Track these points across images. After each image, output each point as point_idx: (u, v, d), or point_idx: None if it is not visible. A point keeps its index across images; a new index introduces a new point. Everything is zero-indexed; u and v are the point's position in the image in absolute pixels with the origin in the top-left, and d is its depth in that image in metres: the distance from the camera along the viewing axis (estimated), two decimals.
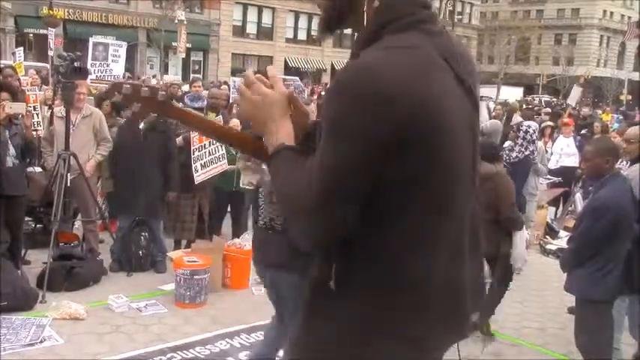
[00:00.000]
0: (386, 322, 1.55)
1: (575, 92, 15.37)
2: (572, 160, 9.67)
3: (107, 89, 1.76)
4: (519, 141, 6.51)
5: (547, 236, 9.02)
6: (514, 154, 6.58)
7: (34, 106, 7.77)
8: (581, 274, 4.17)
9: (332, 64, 42.35)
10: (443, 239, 1.57)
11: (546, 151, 9.35)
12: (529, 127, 6.77)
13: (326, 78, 41.55)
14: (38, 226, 6.81)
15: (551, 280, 7.06)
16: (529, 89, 50.74)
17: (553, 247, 8.53)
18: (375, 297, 1.54)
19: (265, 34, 42.47)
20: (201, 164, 6.86)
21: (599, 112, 25.46)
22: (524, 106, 18.46)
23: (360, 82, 1.42)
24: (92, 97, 8.47)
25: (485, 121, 7.55)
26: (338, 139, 1.44)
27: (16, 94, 6.39)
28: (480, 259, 1.80)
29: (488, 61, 57.02)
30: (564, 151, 10.03)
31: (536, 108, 20.22)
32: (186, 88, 12.26)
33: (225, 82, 16.21)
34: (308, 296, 1.65)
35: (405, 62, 1.45)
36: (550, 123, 11.57)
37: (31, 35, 31.23)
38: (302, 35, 43.81)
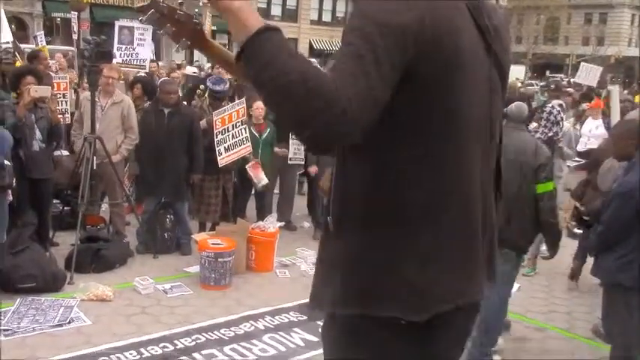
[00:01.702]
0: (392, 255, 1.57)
1: (586, 71, 14.53)
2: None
3: (144, 5, 1.69)
4: (543, 122, 6.38)
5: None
6: (537, 136, 6.48)
7: (63, 94, 7.85)
8: (609, 258, 4.09)
9: None
10: (455, 183, 1.58)
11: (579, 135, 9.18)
12: (553, 107, 6.63)
13: None
14: (66, 208, 6.90)
15: None
16: (558, 69, 49.87)
17: (581, 231, 8.39)
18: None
19: (290, 15, 42.27)
20: (224, 147, 6.87)
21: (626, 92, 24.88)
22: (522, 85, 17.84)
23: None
24: (123, 82, 8.53)
25: None
26: (362, 40, 1.41)
27: (42, 78, 6.45)
28: (493, 231, 1.77)
29: (517, 41, 56.07)
30: (592, 134, 9.83)
31: (564, 89, 19.84)
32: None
33: None
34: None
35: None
36: (585, 106, 11.33)
37: (59, 19, 31.48)
38: (327, 17, 43.53)
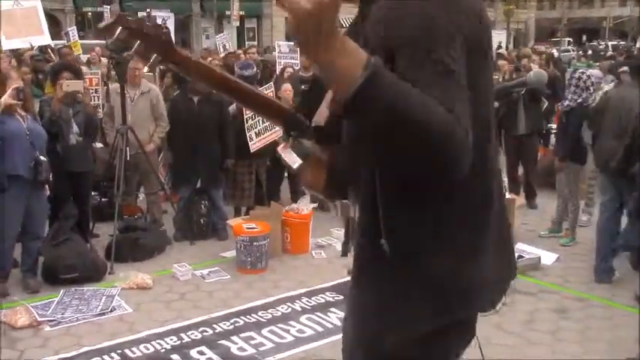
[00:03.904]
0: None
1: None
2: None
3: (110, 21, 1.55)
4: (572, 89, 6.24)
5: None
6: (566, 103, 6.33)
7: (95, 89, 7.97)
8: None
9: None
10: (492, 169, 1.63)
11: None
12: (583, 73, 6.47)
13: None
14: (103, 199, 7.04)
15: None
16: (595, 33, 48.54)
17: None
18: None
19: None
20: (255, 132, 6.90)
21: None
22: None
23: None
24: (151, 73, 8.61)
25: None
26: (442, 51, 1.35)
27: (79, 74, 6.59)
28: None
29: (550, 6, 54.76)
30: None
31: (601, 53, 19.36)
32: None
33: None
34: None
35: None
36: (625, 68, 11.00)
37: (90, 14, 31.88)
38: None
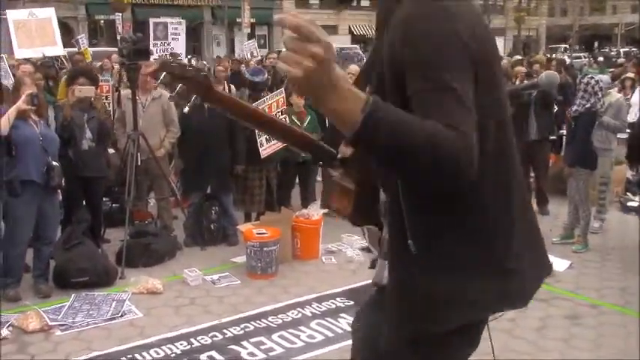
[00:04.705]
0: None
1: None
2: None
3: (156, 68, 1.68)
4: (580, 94, 6.24)
5: (628, 192, 8.64)
6: (574, 108, 6.31)
7: (105, 96, 8.02)
8: None
9: None
10: (514, 170, 1.67)
11: (628, 105, 8.89)
12: (591, 78, 6.45)
13: None
14: (114, 205, 7.07)
15: (631, 238, 6.77)
16: (606, 40, 48.32)
17: (634, 204, 8.17)
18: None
19: (328, 2, 42.09)
20: (266, 138, 6.89)
21: None
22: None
23: (437, 18, 1.49)
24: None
25: None
26: (444, 70, 1.44)
27: (97, 80, 6.64)
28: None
29: (561, 13, 54.62)
30: None
31: (613, 60, 19.28)
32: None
33: None
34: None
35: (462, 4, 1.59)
36: (630, 75, 10.98)
37: (102, 22, 32.16)
38: (365, 1, 43.19)
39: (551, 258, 5.55)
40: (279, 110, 6.97)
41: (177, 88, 1.67)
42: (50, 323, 4.81)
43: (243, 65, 13.13)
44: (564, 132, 8.41)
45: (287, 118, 6.99)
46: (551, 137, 8.28)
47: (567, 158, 6.73)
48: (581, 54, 35.11)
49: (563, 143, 8.20)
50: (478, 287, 1.59)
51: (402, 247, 1.61)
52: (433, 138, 1.34)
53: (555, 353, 4.43)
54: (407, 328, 1.65)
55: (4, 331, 4.67)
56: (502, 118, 1.63)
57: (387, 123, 1.35)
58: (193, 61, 17.04)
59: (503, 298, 1.68)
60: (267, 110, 6.88)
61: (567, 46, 39.80)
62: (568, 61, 19.42)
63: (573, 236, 6.72)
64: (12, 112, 5.11)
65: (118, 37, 15.02)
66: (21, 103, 5.15)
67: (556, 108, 8.08)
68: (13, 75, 8.01)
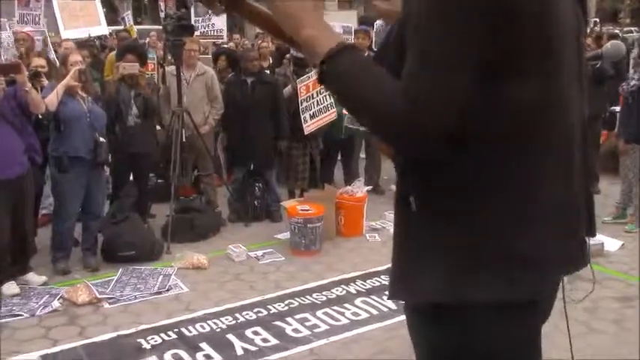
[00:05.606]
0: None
1: None
2: None
3: None
4: (638, 68, 5.98)
5: None
6: (632, 82, 6.06)
7: (151, 74, 8.06)
8: None
9: None
10: (552, 142, 1.35)
11: None
12: None
13: None
14: (160, 181, 7.13)
15: None
16: None
17: None
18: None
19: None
20: (309, 115, 6.86)
21: None
22: None
23: None
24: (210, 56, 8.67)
25: None
26: (440, 23, 1.21)
27: (145, 57, 6.68)
28: (590, 180, 1.58)
29: None
30: None
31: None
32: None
33: None
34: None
35: None
36: None
37: (146, 0, 32.37)
38: None
39: (602, 238, 5.41)
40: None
41: None
42: (99, 296, 4.90)
43: None
44: (617, 108, 8.13)
45: (330, 95, 6.92)
46: (604, 114, 8.02)
47: (623, 135, 6.51)
48: (632, 28, 33.90)
49: (617, 120, 7.94)
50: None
51: (405, 201, 1.43)
52: (375, 106, 1.26)
53: (607, 335, 4.31)
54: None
55: (55, 303, 4.78)
56: (550, 63, 1.31)
57: (343, 72, 1.30)
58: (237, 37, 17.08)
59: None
60: (311, 87, 6.83)
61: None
62: (620, 35, 18.78)
63: (626, 216, 6.52)
64: (60, 88, 5.17)
65: (161, 15, 15.13)
66: (69, 79, 5.21)
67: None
68: (55, 52, 8.11)
